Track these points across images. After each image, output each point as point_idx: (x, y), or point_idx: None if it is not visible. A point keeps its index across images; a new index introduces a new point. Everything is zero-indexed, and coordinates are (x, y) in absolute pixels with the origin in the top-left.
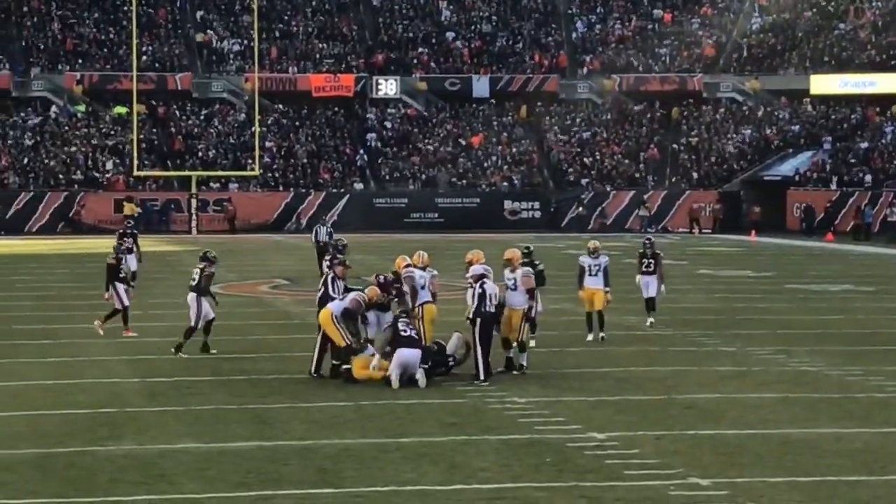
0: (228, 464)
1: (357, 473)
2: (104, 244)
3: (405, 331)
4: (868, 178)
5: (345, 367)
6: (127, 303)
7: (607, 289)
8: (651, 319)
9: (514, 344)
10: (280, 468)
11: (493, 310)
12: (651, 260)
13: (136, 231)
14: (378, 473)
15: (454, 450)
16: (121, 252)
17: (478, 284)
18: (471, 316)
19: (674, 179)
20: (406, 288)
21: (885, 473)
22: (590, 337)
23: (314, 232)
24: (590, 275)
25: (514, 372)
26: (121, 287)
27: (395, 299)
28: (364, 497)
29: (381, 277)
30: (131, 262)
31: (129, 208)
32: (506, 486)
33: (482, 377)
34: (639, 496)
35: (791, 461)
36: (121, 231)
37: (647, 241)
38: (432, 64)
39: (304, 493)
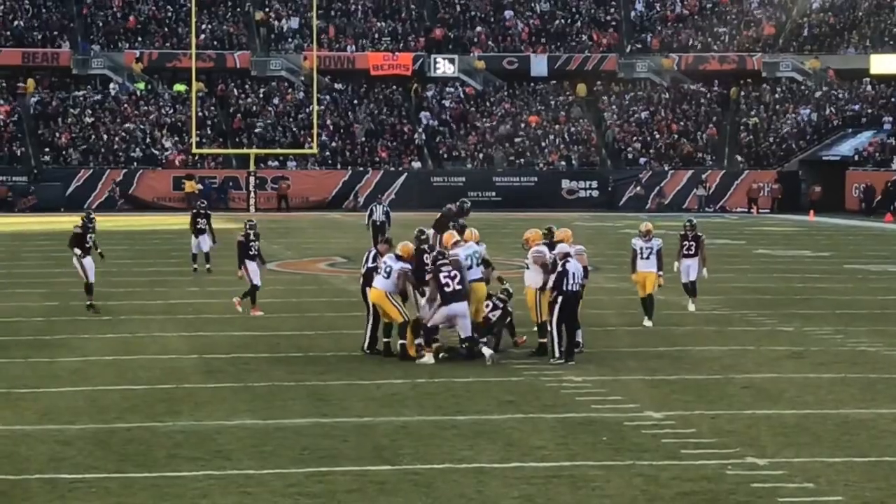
0: (285, 440)
1: (414, 451)
2: (162, 221)
3: (448, 284)
4: None
5: (399, 342)
6: (257, 281)
7: (660, 272)
8: (692, 306)
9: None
10: (337, 445)
11: (575, 288)
12: (692, 242)
13: (209, 211)
14: (435, 451)
15: (511, 427)
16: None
17: (561, 263)
18: (551, 295)
19: (732, 159)
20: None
21: None
22: (646, 322)
23: (369, 211)
24: (642, 258)
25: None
26: (251, 265)
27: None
28: (421, 474)
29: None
30: (204, 243)
31: (189, 186)
32: (562, 465)
33: (558, 356)
34: (695, 475)
35: (848, 441)
36: (194, 211)
37: (688, 223)
38: (490, 43)
39: (360, 470)
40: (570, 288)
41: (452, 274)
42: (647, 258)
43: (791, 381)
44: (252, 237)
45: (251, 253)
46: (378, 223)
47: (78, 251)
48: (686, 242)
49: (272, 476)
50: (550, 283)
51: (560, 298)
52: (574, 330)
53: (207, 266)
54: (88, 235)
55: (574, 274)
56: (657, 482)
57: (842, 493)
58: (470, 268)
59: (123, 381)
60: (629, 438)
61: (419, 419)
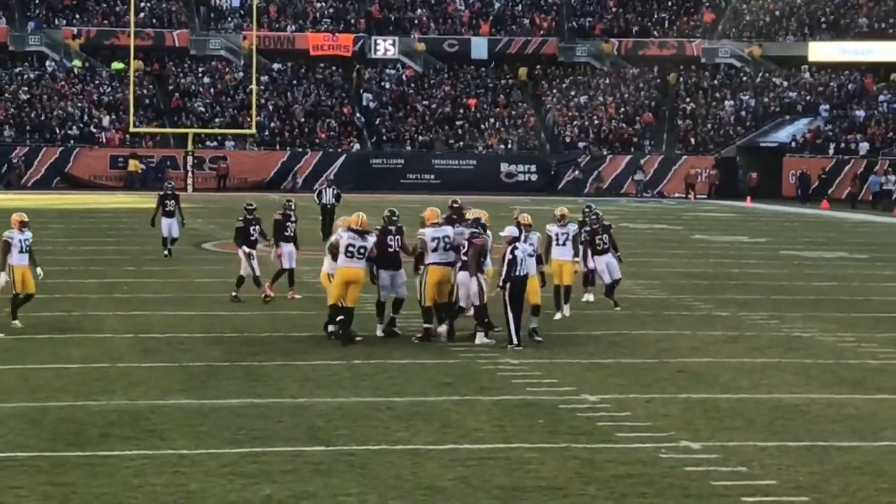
0: (220, 420)
1: (349, 432)
2: (99, 200)
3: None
4: (864, 146)
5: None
6: (288, 264)
7: (577, 259)
8: (618, 307)
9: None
10: (272, 425)
11: (522, 273)
12: (604, 235)
13: (177, 192)
14: (370, 432)
15: (447, 409)
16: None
17: (510, 248)
18: (500, 281)
19: (671, 145)
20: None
21: (876, 439)
22: (557, 315)
23: (318, 193)
24: (557, 244)
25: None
26: (287, 247)
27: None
28: (356, 455)
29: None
30: (173, 228)
31: (133, 164)
32: (498, 447)
33: (515, 341)
34: (630, 458)
35: (782, 426)
36: (161, 193)
37: (588, 209)
38: (431, 24)
39: (295, 451)
40: (518, 273)
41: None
42: (563, 244)
43: (726, 365)
44: (292, 217)
45: (287, 234)
46: (329, 206)
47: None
48: (597, 237)
49: (206, 456)
50: (503, 273)
51: (509, 285)
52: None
53: (170, 248)
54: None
55: (521, 260)
56: (592, 465)
57: (775, 476)
58: (435, 250)
59: (57, 360)
60: (565, 421)
61: (355, 400)
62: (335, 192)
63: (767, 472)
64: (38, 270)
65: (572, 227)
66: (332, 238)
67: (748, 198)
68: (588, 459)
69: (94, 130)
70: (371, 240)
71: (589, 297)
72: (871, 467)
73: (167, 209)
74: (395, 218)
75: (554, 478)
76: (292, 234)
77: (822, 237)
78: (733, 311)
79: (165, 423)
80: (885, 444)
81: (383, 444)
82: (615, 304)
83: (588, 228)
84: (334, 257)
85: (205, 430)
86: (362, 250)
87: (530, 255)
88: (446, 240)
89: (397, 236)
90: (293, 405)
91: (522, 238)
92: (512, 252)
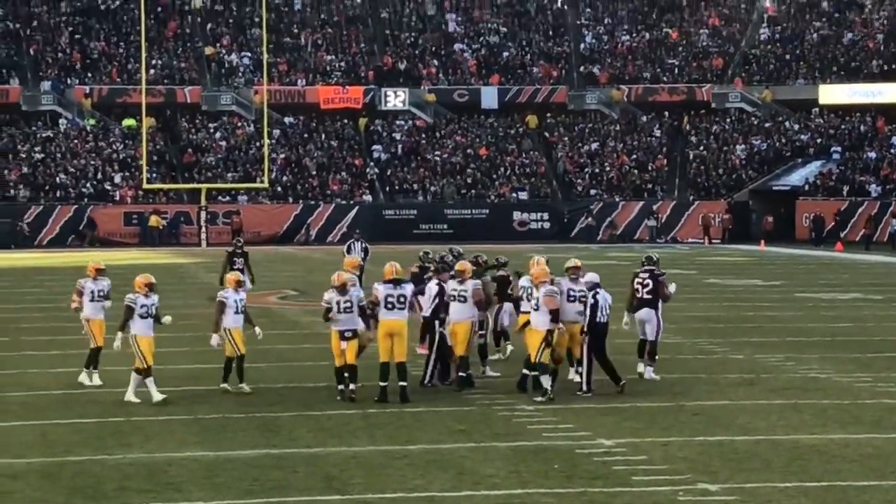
0: (236, 471)
1: (365, 480)
2: (115, 257)
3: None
4: (876, 187)
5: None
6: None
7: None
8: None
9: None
10: (287, 476)
11: (604, 320)
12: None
13: (246, 250)
14: (386, 480)
15: (463, 456)
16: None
17: (591, 294)
18: (585, 327)
19: (683, 190)
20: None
21: (894, 479)
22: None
23: (348, 247)
24: (569, 301)
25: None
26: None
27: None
28: None
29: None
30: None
31: (154, 220)
32: (514, 493)
33: (586, 388)
34: (647, 501)
35: (800, 467)
36: (230, 250)
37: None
38: (440, 75)
39: (311, 500)
40: (600, 319)
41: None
42: (576, 302)
43: (742, 407)
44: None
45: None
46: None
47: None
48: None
49: None
50: (585, 320)
51: (590, 331)
52: (607, 362)
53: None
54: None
55: (603, 306)
56: None
57: None
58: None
59: (73, 415)
60: (581, 466)
61: (370, 449)
62: (364, 245)
63: None
64: (258, 330)
65: (591, 278)
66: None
67: (762, 241)
68: None
69: (108, 188)
70: (409, 287)
71: (650, 373)
72: None
73: (235, 267)
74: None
75: None
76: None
77: (837, 279)
78: (749, 353)
79: (181, 475)
80: None
81: (399, 493)
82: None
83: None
84: (373, 315)
85: (221, 481)
86: (402, 299)
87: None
88: (401, 299)
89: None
90: (308, 455)
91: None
92: (594, 298)
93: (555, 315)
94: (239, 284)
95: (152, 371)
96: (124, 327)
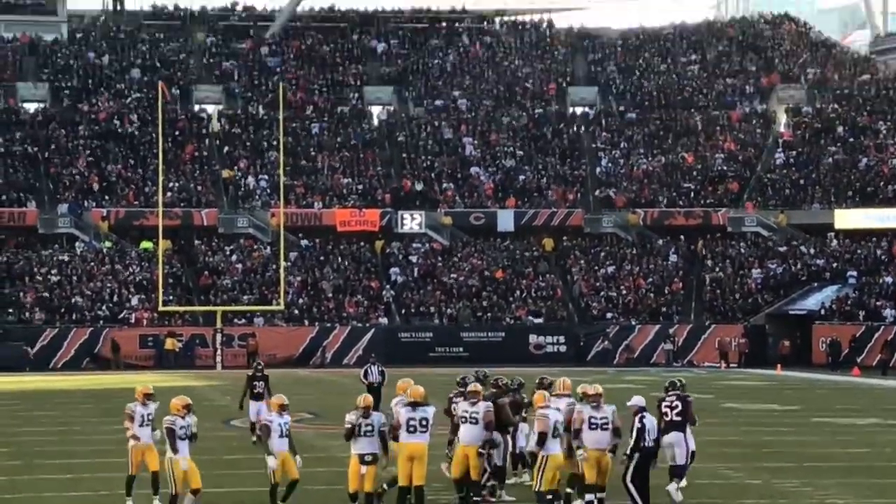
0: None
1: None
2: (131, 380)
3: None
4: (891, 312)
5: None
6: None
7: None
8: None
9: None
10: None
11: (651, 445)
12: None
13: (266, 374)
14: None
15: None
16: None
17: (637, 418)
18: (628, 451)
19: (699, 314)
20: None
21: None
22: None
23: (364, 371)
24: (590, 429)
25: None
26: None
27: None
28: None
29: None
30: (262, 411)
31: (170, 343)
32: None
33: None
34: None
35: None
36: (250, 374)
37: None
38: (457, 198)
39: None
40: (646, 444)
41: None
42: (601, 430)
43: None
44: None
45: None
46: (375, 384)
47: None
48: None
49: None
50: (631, 442)
51: (637, 455)
52: (646, 490)
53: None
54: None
55: (650, 430)
56: None
57: None
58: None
59: None
60: None
61: None
62: (380, 369)
63: None
64: (298, 459)
65: (610, 409)
66: (378, 417)
67: (778, 365)
68: None
69: (123, 311)
70: (431, 410)
71: (674, 490)
72: None
73: (256, 391)
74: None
75: None
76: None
77: (854, 404)
78: (766, 478)
79: None
80: None
81: None
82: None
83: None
84: (395, 437)
85: None
86: (424, 422)
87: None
88: (423, 422)
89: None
90: None
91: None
92: (640, 421)
93: (541, 438)
94: (283, 408)
95: (199, 493)
96: (175, 450)
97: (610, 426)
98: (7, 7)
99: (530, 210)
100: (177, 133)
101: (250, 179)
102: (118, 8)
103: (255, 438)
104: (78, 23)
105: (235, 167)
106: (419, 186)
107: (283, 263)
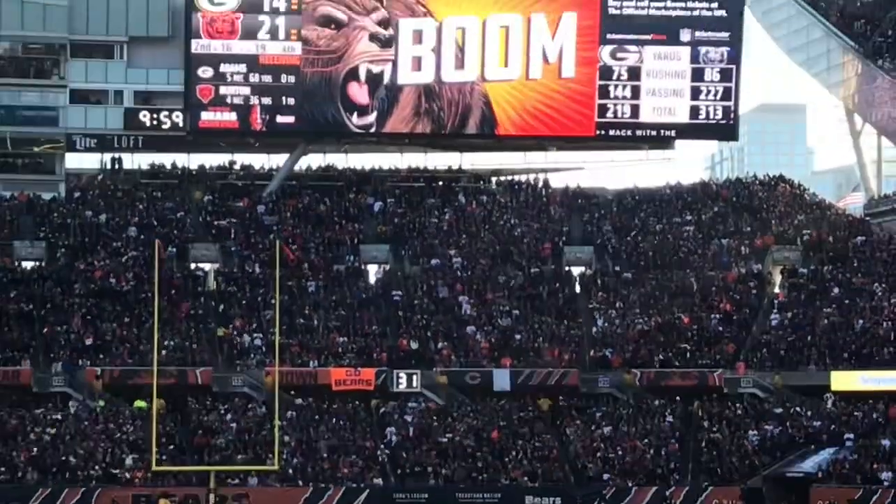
0: None
1: None
2: None
3: None
4: (888, 475)
5: None
6: None
7: None
8: None
9: None
10: None
11: None
12: None
13: None
14: None
15: None
16: None
17: None
18: None
19: (696, 476)
20: None
21: None
22: None
23: None
24: None
25: None
26: None
27: None
28: None
29: None
30: None
31: (163, 503)
32: None
33: None
34: None
35: None
36: None
37: None
38: (453, 357)
39: None
40: None
41: None
42: None
43: None
44: None
45: None
46: None
47: None
48: None
49: None
50: None
51: None
52: None
53: None
54: None
55: None
56: None
57: None
58: None
59: None
60: None
61: None
62: None
63: None
64: None
65: None
66: None
67: None
68: None
69: (116, 470)
70: None
71: None
72: None
73: None
74: None
75: None
76: None
77: None
78: None
79: None
80: None
81: None
82: None
83: None
84: None
85: None
86: None
87: None
88: None
89: None
90: None
91: None
92: None
93: None
94: None
95: None
96: None
97: None
98: (6, 166)
99: (526, 369)
100: (173, 291)
101: (245, 337)
102: (116, 167)
103: None
104: (76, 181)
105: (231, 325)
106: (415, 345)
107: (277, 423)
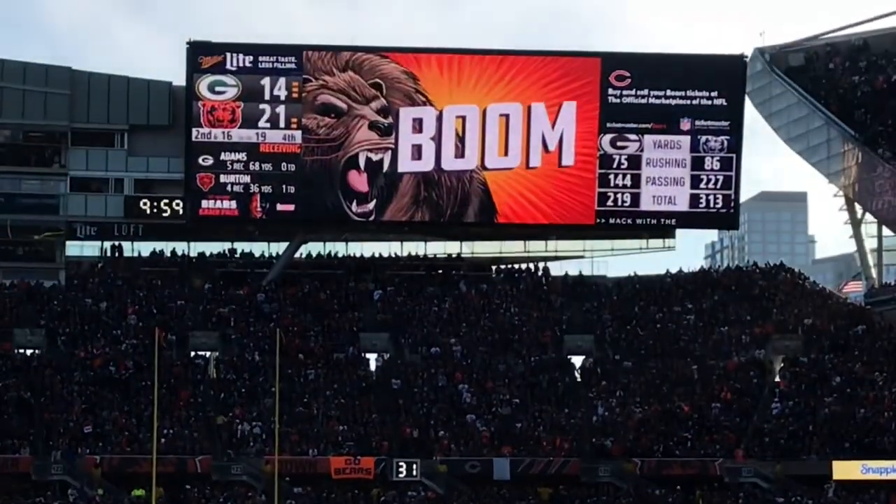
0: None
1: None
2: None
3: None
4: None
5: None
6: None
7: None
8: None
9: None
10: None
11: None
12: None
13: None
14: None
15: None
16: None
17: None
18: None
19: None
20: None
21: None
22: None
23: None
24: None
25: None
26: None
27: None
28: None
29: None
30: None
31: None
32: None
33: None
34: None
35: None
36: None
37: None
38: (452, 446)
39: None
40: None
41: None
42: None
43: None
44: None
45: None
46: None
47: None
48: None
49: None
50: None
51: None
52: None
53: None
54: None
55: None
56: None
57: None
58: None
59: None
60: None
61: None
62: None
63: None
64: None
65: None
66: None
67: None
68: None
69: None
70: None
71: None
72: None
73: None
74: None
75: None
76: None
77: None
78: None
79: None
80: None
81: None
82: None
83: None
84: None
85: None
86: None
87: None
88: None
89: None
90: None
91: None
92: None
93: None
94: None
95: None
96: None
97: None
98: (6, 253)
99: (526, 458)
100: (172, 379)
101: (245, 426)
102: (116, 255)
103: None
104: (76, 269)
105: (230, 413)
106: (415, 434)
107: None
